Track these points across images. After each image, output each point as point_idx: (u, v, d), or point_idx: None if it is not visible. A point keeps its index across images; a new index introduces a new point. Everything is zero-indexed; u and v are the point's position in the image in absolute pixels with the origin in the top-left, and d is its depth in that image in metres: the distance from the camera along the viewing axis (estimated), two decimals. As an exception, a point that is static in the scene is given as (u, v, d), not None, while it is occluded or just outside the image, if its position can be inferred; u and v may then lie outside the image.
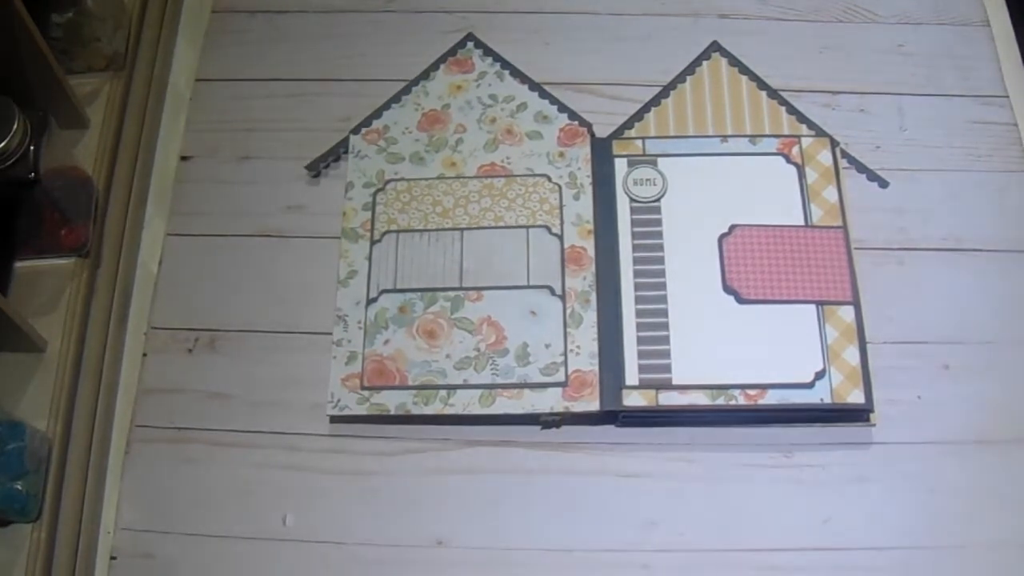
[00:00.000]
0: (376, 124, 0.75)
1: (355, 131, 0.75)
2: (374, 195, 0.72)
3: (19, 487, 0.58)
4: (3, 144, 0.61)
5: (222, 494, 0.65)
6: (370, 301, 0.68)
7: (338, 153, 0.75)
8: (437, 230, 0.70)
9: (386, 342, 0.67)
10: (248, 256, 0.73)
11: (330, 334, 0.68)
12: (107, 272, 0.69)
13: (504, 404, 0.65)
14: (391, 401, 0.66)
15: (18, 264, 0.67)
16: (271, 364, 0.69)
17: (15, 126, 0.61)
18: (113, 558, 0.64)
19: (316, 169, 0.74)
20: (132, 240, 0.72)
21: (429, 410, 0.65)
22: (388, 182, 0.72)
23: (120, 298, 0.70)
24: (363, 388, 0.66)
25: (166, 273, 0.73)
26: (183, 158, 0.76)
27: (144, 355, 0.70)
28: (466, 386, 0.66)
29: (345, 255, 0.70)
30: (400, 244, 0.70)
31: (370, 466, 0.66)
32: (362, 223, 0.71)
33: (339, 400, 0.66)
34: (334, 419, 0.67)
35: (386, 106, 0.76)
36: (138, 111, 0.75)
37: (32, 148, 0.63)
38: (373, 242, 0.70)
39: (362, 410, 0.65)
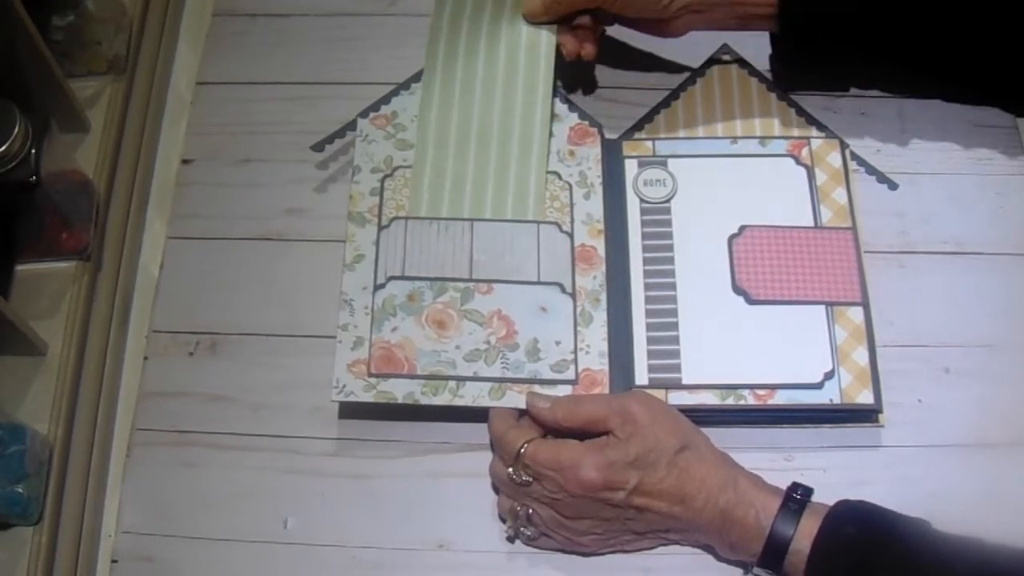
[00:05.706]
0: (385, 110, 0.73)
1: (363, 115, 0.73)
2: (382, 181, 0.71)
3: (20, 490, 0.58)
4: (4, 147, 0.61)
5: (223, 497, 0.65)
6: (377, 287, 0.67)
7: (344, 133, 0.73)
8: (447, 219, 0.69)
9: (394, 329, 0.66)
10: (249, 259, 0.72)
11: (332, 337, 0.67)
12: (108, 275, 0.69)
13: (514, 398, 0.64)
14: (399, 390, 0.64)
15: (19, 267, 0.67)
16: (272, 367, 0.69)
17: (16, 129, 0.61)
18: (114, 561, 0.64)
19: (321, 147, 0.74)
20: (133, 243, 0.73)
21: (438, 401, 0.64)
22: (396, 168, 0.71)
23: (121, 301, 0.70)
24: (370, 375, 0.64)
25: (167, 276, 0.73)
26: (184, 161, 0.76)
27: (145, 358, 0.70)
28: (476, 378, 0.64)
29: (351, 239, 0.69)
30: (409, 231, 0.69)
31: (372, 469, 0.66)
32: (369, 208, 0.70)
33: (344, 386, 0.64)
34: (342, 413, 0.66)
35: (395, 92, 0.74)
36: (139, 114, 0.75)
37: (33, 151, 0.63)
38: (381, 227, 0.69)
39: (369, 397, 0.64)
